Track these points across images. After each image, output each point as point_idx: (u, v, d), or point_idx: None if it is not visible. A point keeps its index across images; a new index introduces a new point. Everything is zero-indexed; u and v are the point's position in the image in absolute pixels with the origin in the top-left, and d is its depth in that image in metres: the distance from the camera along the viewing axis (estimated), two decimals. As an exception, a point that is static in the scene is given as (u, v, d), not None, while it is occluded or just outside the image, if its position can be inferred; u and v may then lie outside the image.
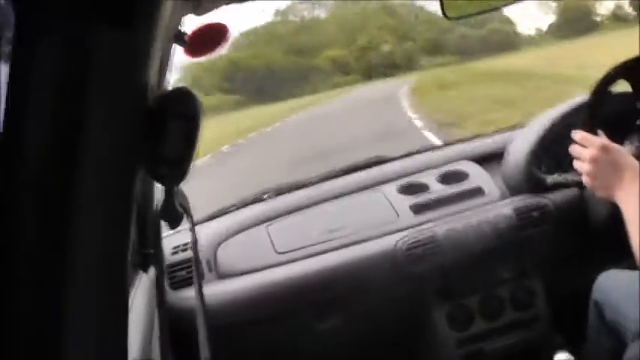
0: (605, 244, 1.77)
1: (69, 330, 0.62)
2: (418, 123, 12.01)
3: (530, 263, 1.93)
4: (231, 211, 2.07)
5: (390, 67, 47.95)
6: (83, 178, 0.62)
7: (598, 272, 1.65)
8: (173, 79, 1.16)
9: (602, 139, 1.42)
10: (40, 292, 0.61)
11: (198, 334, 1.08)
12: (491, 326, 1.90)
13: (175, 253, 1.87)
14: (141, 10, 0.66)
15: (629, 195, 1.32)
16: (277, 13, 51.26)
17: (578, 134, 1.45)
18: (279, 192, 2.12)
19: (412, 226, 1.89)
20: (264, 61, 43.80)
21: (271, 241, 1.91)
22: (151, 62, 0.70)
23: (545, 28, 54.22)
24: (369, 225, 1.92)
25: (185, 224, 0.99)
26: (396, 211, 1.95)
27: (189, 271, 1.81)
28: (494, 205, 1.92)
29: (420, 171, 2.08)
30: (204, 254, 1.86)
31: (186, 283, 1.81)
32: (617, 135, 1.57)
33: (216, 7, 1.07)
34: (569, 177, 1.78)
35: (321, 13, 55.67)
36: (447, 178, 2.03)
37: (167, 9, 0.73)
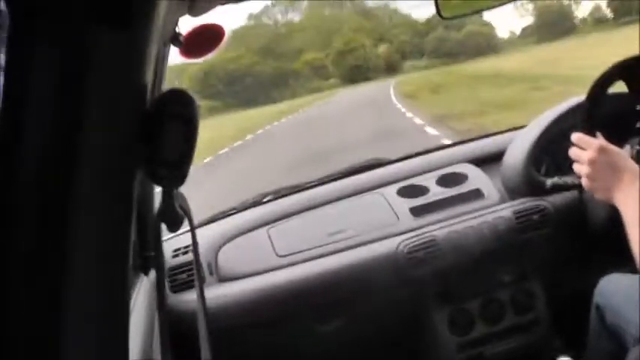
0: (605, 247, 1.77)
1: (69, 332, 0.62)
2: (420, 123, 11.92)
3: (530, 266, 1.93)
4: (231, 214, 2.07)
5: (369, 71, 47.89)
6: (82, 180, 0.62)
7: (598, 275, 1.64)
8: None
9: (600, 141, 1.42)
10: (39, 294, 0.61)
11: (199, 337, 1.08)
12: (492, 330, 1.90)
13: (176, 256, 1.87)
14: (137, 11, 0.66)
15: (628, 197, 1.32)
16: (251, 17, 51.21)
17: (576, 136, 1.45)
18: (280, 195, 2.12)
19: (412, 229, 1.89)
20: (241, 66, 43.51)
21: (272, 244, 1.91)
22: (147, 63, 0.70)
23: (522, 30, 54.34)
24: (369, 228, 1.92)
25: (186, 227, 0.99)
26: (395, 214, 1.95)
27: (190, 274, 1.81)
28: (493, 208, 1.92)
29: (419, 173, 2.08)
30: (205, 257, 1.86)
31: (187, 286, 1.81)
32: (616, 137, 1.57)
33: (212, 7, 1.07)
34: (568, 179, 1.78)
35: (295, 16, 55.58)
36: (446, 181, 2.03)
37: (163, 10, 0.73)
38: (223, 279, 1.85)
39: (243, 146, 16.03)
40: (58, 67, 0.61)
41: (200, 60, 1.10)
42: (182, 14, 1.00)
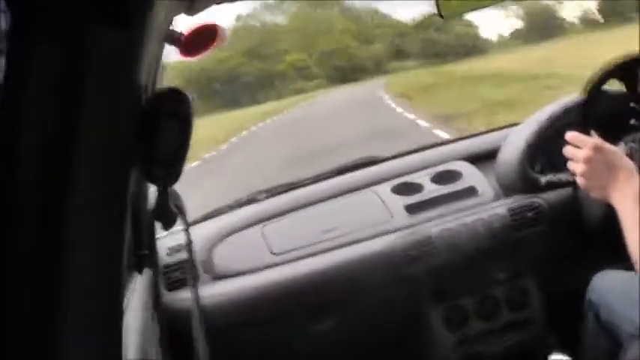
0: (600, 244, 1.78)
1: (64, 330, 0.62)
2: (425, 125, 11.68)
3: (524, 263, 1.94)
4: (225, 212, 2.07)
5: (354, 72, 47.63)
6: (78, 179, 0.62)
7: (592, 272, 1.65)
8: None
9: (595, 139, 1.42)
10: (36, 293, 0.61)
11: (193, 335, 1.08)
12: (487, 327, 1.90)
13: (170, 254, 1.87)
14: (135, 10, 0.66)
15: (624, 196, 1.32)
16: (238, 18, 51.06)
17: (571, 135, 1.44)
18: (274, 193, 2.12)
19: (406, 227, 1.89)
20: (226, 67, 43.26)
21: (266, 242, 1.91)
22: (144, 62, 0.71)
23: (510, 31, 54.56)
24: (364, 225, 1.92)
25: (180, 225, 0.99)
26: (390, 212, 1.95)
27: (185, 272, 1.80)
28: (488, 206, 1.92)
29: (413, 171, 2.09)
30: (199, 255, 1.85)
31: (181, 284, 1.80)
32: (610, 134, 1.57)
33: (209, 6, 1.07)
34: (563, 177, 1.78)
35: (281, 18, 55.46)
36: (441, 178, 2.03)
37: (160, 10, 0.74)
38: (218, 277, 1.85)
39: (230, 150, 15.63)
40: (57, 66, 0.61)
41: (195, 59, 1.10)
42: (179, 13, 1.00)
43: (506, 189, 1.97)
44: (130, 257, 1.37)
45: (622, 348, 1.47)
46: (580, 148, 1.41)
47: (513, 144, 1.98)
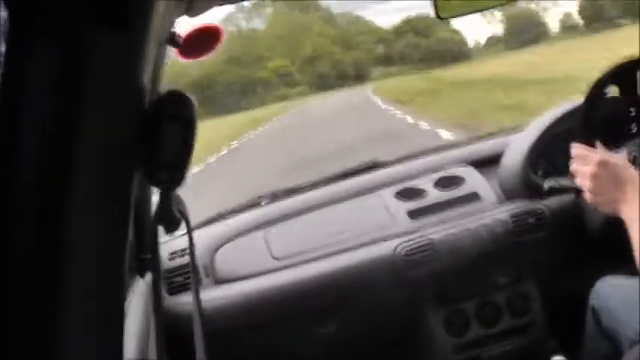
0: (601, 250, 1.78)
1: (64, 330, 0.62)
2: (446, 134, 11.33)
3: (526, 269, 1.93)
4: (228, 217, 2.07)
5: (338, 78, 47.22)
6: (78, 179, 0.62)
7: (594, 278, 1.65)
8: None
9: (600, 154, 1.41)
10: (37, 294, 0.61)
11: (195, 339, 1.08)
12: (488, 332, 1.90)
13: (173, 258, 1.87)
14: (135, 11, 0.66)
15: (633, 209, 1.31)
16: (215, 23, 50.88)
17: (575, 149, 1.43)
18: (276, 197, 2.12)
19: (409, 232, 1.89)
20: (206, 72, 42.60)
21: (268, 247, 1.91)
22: (146, 64, 0.70)
23: (490, 36, 54.30)
24: (367, 230, 1.92)
25: (183, 229, 0.99)
26: (392, 216, 1.95)
27: (187, 276, 1.81)
28: (490, 211, 1.92)
29: (416, 175, 2.08)
30: (201, 259, 1.86)
31: (183, 288, 1.80)
32: (612, 139, 1.57)
33: (209, 8, 1.07)
34: (565, 182, 1.78)
35: (257, 22, 55.10)
36: (444, 183, 2.03)
37: (161, 11, 0.73)
38: (220, 281, 1.85)
39: (218, 164, 14.11)
40: (57, 67, 0.61)
41: (196, 60, 1.10)
42: (180, 15, 1.00)
43: (509, 194, 1.97)
44: (132, 261, 1.38)
45: (623, 354, 1.47)
46: (586, 164, 1.40)
47: (516, 149, 1.98)
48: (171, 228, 0.92)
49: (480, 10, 1.47)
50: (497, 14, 47.76)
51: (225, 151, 16.33)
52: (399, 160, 2.24)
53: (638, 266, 1.27)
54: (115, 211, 0.67)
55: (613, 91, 1.70)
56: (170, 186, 0.83)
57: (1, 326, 0.61)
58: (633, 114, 1.72)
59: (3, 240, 0.60)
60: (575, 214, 1.87)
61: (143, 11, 0.67)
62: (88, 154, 0.63)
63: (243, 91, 44.29)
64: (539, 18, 48.58)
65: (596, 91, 1.63)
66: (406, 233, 1.89)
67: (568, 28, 47.38)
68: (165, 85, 1.07)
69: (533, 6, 47.25)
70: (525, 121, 2.15)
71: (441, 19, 1.36)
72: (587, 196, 1.40)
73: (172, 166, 0.78)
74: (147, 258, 1.40)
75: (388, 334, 1.95)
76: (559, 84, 12.69)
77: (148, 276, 1.40)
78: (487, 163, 2.08)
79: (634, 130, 1.71)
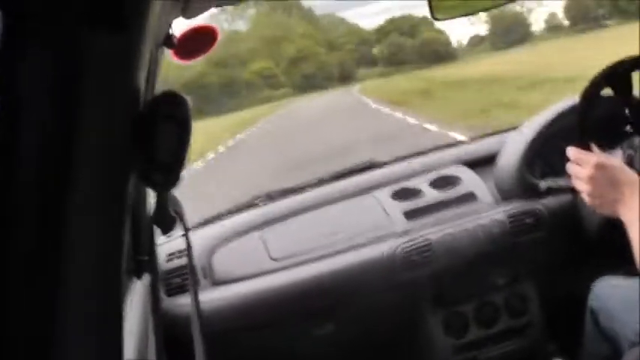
0: (599, 250, 1.78)
1: (64, 330, 0.62)
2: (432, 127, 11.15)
3: (523, 269, 1.93)
4: (225, 217, 2.07)
5: (322, 79, 46.85)
6: (77, 183, 0.62)
7: (592, 278, 1.65)
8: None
9: (597, 156, 1.41)
10: (35, 293, 0.61)
11: (193, 340, 1.08)
12: (487, 333, 1.90)
13: (170, 260, 1.87)
14: (131, 13, 0.65)
15: (631, 210, 1.31)
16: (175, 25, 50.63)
17: (572, 152, 1.43)
18: (274, 198, 2.11)
19: (405, 232, 1.89)
20: (189, 75, 42.18)
21: (266, 248, 1.91)
22: (141, 65, 0.70)
23: (476, 37, 54.15)
24: (363, 231, 1.92)
25: (180, 231, 0.99)
26: (389, 217, 1.95)
27: (185, 277, 1.80)
28: (487, 211, 1.92)
29: (412, 176, 2.08)
30: (198, 261, 1.85)
31: (181, 289, 1.80)
32: (607, 139, 1.57)
33: (205, 9, 1.07)
34: (562, 182, 1.78)
35: (240, 23, 54.93)
36: (440, 183, 2.03)
37: (156, 12, 0.73)
38: (217, 282, 1.85)
39: (208, 168, 13.39)
40: (51, 69, 0.61)
41: (191, 62, 1.10)
42: (176, 16, 1.00)
43: (506, 194, 1.97)
44: (130, 262, 1.38)
45: (622, 355, 1.47)
46: (582, 167, 1.40)
47: (512, 149, 1.98)
48: (167, 229, 0.92)
49: (477, 12, 1.47)
50: (482, 15, 47.82)
51: (211, 156, 15.39)
52: (395, 161, 2.24)
53: (638, 268, 1.27)
54: (112, 211, 0.67)
55: (607, 92, 1.70)
56: (166, 187, 0.83)
57: (0, 325, 0.61)
58: (628, 114, 1.72)
59: (3, 239, 0.60)
60: (572, 214, 1.87)
61: (139, 13, 0.67)
62: (84, 155, 0.62)
63: (226, 93, 43.90)
64: (524, 18, 48.76)
65: (592, 90, 1.63)
66: (403, 234, 1.89)
67: (553, 28, 47.52)
68: (159, 86, 1.07)
69: (517, 7, 47.29)
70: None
71: (437, 20, 1.36)
72: (586, 199, 1.40)
73: (168, 167, 0.77)
74: (144, 259, 1.40)
75: (386, 335, 1.95)
76: (559, 83, 12.67)
77: (146, 277, 1.39)
78: (483, 163, 2.08)
79: (629, 131, 1.71)
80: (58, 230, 0.61)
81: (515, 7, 46.74)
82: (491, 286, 1.91)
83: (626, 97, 1.64)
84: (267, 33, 50.75)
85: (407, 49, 49.28)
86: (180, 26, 1.04)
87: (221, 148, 16.99)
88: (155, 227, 0.92)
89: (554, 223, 1.89)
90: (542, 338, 1.93)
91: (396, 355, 1.98)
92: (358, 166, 2.22)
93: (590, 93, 1.62)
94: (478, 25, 51.72)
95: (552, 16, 49.07)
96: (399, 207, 1.97)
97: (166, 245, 1.89)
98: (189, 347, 1.08)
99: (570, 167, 1.43)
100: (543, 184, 1.88)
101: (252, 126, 23.25)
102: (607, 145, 1.52)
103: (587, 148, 1.44)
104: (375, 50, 51.87)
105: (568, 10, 45.40)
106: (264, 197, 2.12)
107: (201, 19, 1.08)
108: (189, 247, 1.08)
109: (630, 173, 1.37)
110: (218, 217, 2.08)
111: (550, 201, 1.91)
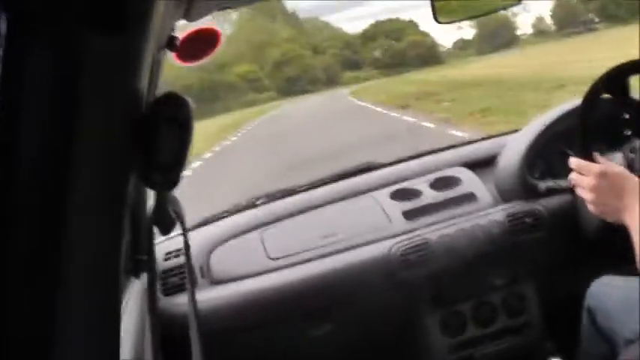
0: (598, 251, 1.79)
1: (63, 330, 0.62)
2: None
3: (522, 269, 1.93)
4: (223, 217, 2.06)
5: (308, 83, 46.72)
6: (76, 183, 0.62)
7: (590, 278, 1.65)
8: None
9: (599, 165, 1.42)
10: (35, 293, 0.62)
11: (190, 340, 1.08)
12: (484, 332, 1.90)
13: (168, 259, 1.86)
14: (133, 15, 0.66)
15: (636, 218, 1.32)
16: (179, 27, 50.97)
17: (574, 161, 1.44)
18: (272, 198, 2.11)
19: (404, 232, 1.89)
20: (169, 77, 42.45)
21: (264, 247, 1.91)
22: (143, 67, 0.71)
23: (463, 41, 54.59)
24: (362, 231, 1.92)
25: (178, 230, 0.99)
26: (388, 217, 1.95)
27: (182, 277, 1.80)
28: (486, 211, 1.92)
29: (412, 177, 2.08)
30: (196, 260, 1.85)
31: (178, 289, 1.80)
32: (607, 142, 1.58)
33: (209, 12, 1.08)
34: (562, 183, 1.79)
35: (226, 29, 55.08)
36: (439, 184, 2.03)
37: (159, 14, 0.74)
38: (215, 282, 1.84)
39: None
40: (53, 70, 0.61)
41: (194, 64, 1.10)
42: (178, 18, 1.01)
43: (505, 195, 1.97)
44: (128, 262, 1.37)
45: (619, 354, 1.47)
46: (585, 175, 1.41)
47: (512, 150, 1.98)
48: (166, 229, 0.92)
49: (479, 15, 1.47)
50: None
51: (198, 164, 14.22)
52: (395, 162, 2.24)
53: (639, 269, 1.28)
54: (112, 210, 0.67)
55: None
56: (165, 187, 0.84)
57: (0, 325, 0.61)
58: (628, 118, 1.73)
59: (3, 239, 0.61)
60: (572, 214, 1.87)
61: (141, 14, 0.67)
62: (84, 155, 0.63)
63: (210, 97, 43.82)
64: (510, 22, 49.13)
65: (593, 96, 1.64)
66: (401, 234, 1.89)
67: (540, 32, 47.95)
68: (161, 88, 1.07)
69: (505, 11, 47.69)
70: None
71: (440, 23, 1.36)
72: (590, 207, 1.42)
73: (168, 168, 0.78)
74: (142, 259, 1.39)
75: (384, 335, 1.95)
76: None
77: (144, 277, 1.39)
78: (483, 164, 2.08)
79: (629, 134, 1.72)
80: (57, 230, 0.62)
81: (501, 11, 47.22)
82: (490, 286, 1.91)
83: (626, 101, 1.65)
84: (251, 36, 50.82)
85: (392, 52, 49.50)
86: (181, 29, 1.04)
87: (207, 154, 16.19)
88: (154, 227, 0.92)
89: (554, 223, 1.90)
90: (540, 337, 1.93)
91: (394, 354, 1.98)
92: (358, 167, 2.22)
93: (592, 96, 1.63)
94: (465, 28, 52.18)
95: (539, 20, 49.58)
96: (398, 207, 1.97)
97: (164, 244, 1.88)
98: (186, 347, 1.08)
99: (573, 177, 1.44)
100: (543, 185, 1.88)
101: (238, 130, 22.68)
102: (607, 148, 1.53)
103: (589, 153, 1.45)
104: (360, 54, 52.09)
105: (555, 13, 45.89)
106: (263, 198, 2.12)
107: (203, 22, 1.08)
108: (187, 246, 1.08)
109: (633, 179, 1.38)
110: (217, 217, 2.07)
111: (549, 201, 1.91)
